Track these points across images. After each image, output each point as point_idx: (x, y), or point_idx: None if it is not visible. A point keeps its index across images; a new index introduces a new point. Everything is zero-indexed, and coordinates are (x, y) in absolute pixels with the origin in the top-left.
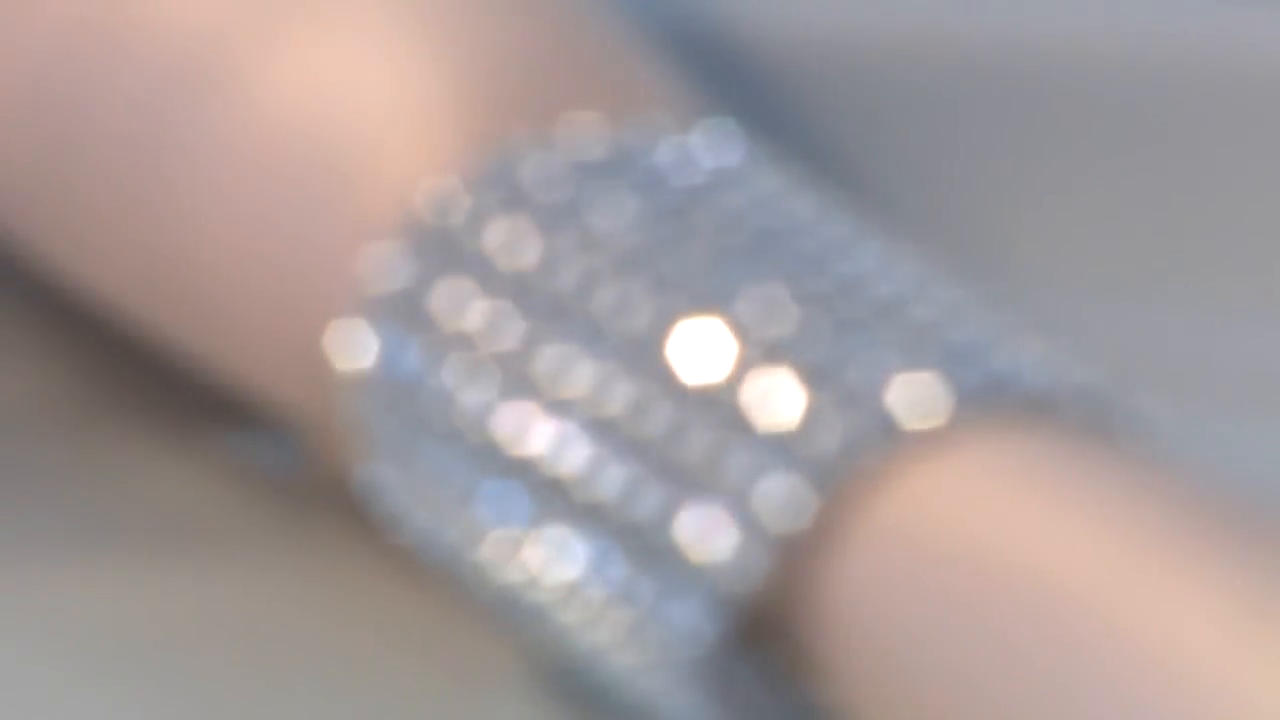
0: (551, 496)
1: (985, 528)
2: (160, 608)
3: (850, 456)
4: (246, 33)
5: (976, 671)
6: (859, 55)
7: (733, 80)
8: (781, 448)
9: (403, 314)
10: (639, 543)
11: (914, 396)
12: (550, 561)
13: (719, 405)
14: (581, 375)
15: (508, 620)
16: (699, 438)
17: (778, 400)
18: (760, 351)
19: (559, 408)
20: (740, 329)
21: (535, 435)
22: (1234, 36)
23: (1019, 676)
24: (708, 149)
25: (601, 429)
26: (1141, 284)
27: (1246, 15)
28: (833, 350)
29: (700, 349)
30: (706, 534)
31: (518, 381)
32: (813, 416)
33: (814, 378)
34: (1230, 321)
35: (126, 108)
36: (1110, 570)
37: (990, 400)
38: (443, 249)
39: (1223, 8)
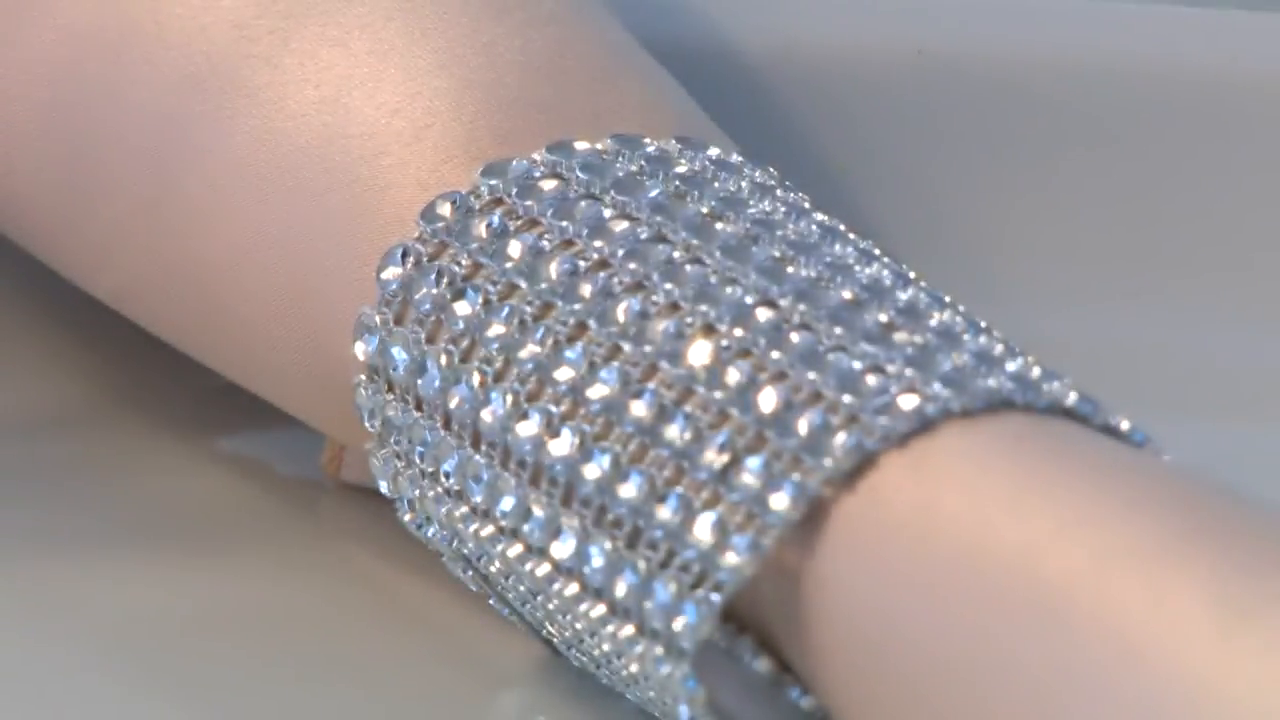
0: (539, 483)
1: (959, 515)
2: (178, 601)
3: (824, 450)
4: (258, 44)
5: (946, 653)
6: (844, 68)
7: (730, 91)
8: (761, 441)
9: (414, 321)
10: (626, 527)
11: (890, 393)
12: (542, 546)
13: (696, 396)
14: (573, 373)
15: (506, 604)
16: (681, 427)
17: (754, 395)
18: (737, 347)
19: (558, 403)
20: (718, 323)
21: (528, 425)
22: (1216, 46)
23: (989, 659)
24: (713, 163)
25: (589, 419)
26: (1117, 291)
27: (1228, 23)
28: (808, 349)
29: (681, 342)
30: (692, 521)
31: (524, 382)
32: (789, 412)
33: (789, 374)
34: (1204, 328)
35: (139, 117)
36: (1088, 558)
37: (968, 396)
38: (452, 258)
39: (1208, 16)
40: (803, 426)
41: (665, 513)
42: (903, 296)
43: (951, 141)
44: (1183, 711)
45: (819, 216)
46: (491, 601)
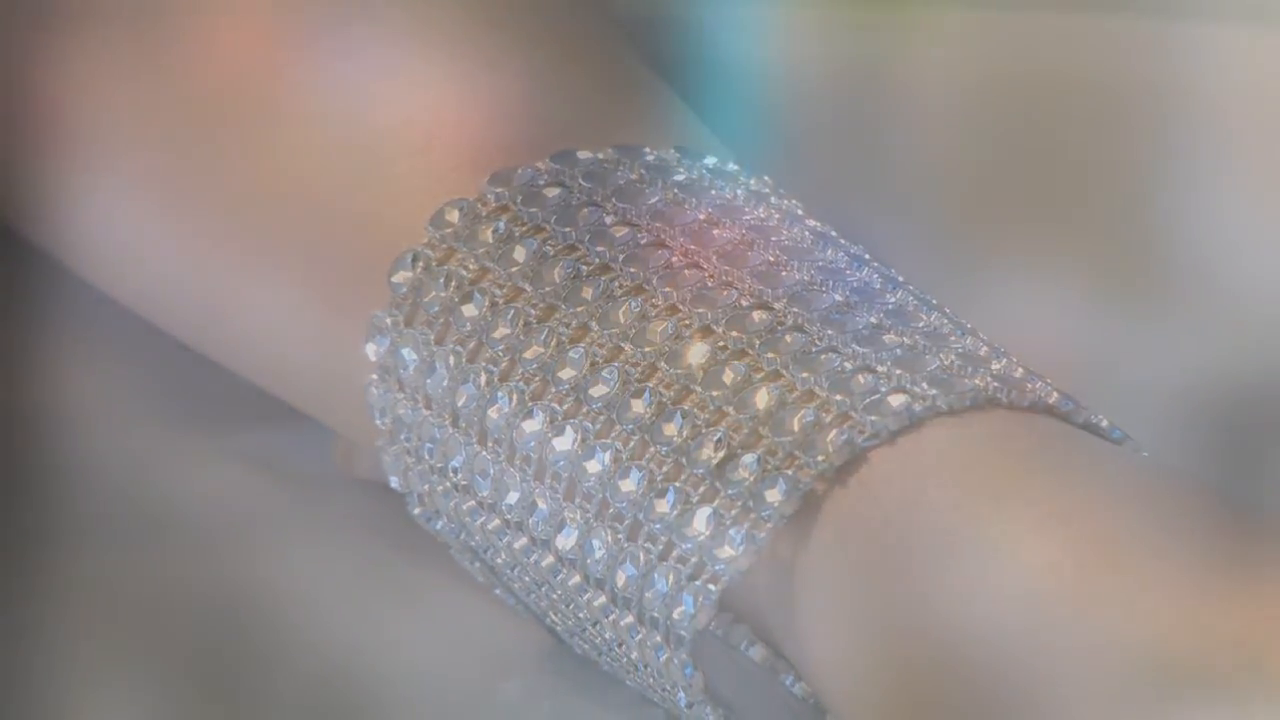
0: (543, 478)
1: (946, 509)
2: (191, 593)
3: (817, 447)
4: (272, 56)
5: (933, 641)
6: (837, 79)
7: (726, 102)
8: (756, 438)
9: (423, 323)
10: (627, 520)
11: (880, 391)
12: (545, 538)
13: (694, 395)
14: (575, 372)
15: (511, 594)
16: (680, 425)
17: (750, 394)
18: (733, 347)
19: (561, 401)
20: (715, 325)
21: (532, 422)
22: (1193, 62)
23: (974, 648)
24: (711, 171)
25: (591, 417)
26: (1098, 294)
27: (1215, 33)
28: (801, 350)
29: (679, 343)
30: (690, 515)
31: (528, 382)
32: (783, 410)
33: (783, 374)
34: (1186, 331)
35: (158, 124)
36: (1068, 551)
37: (954, 395)
38: (460, 262)
39: (1193, 27)
40: (796, 424)
41: (664, 507)
42: (892, 299)
43: (939, 151)
44: (1160, 699)
45: (811, 222)
46: (497, 591)
